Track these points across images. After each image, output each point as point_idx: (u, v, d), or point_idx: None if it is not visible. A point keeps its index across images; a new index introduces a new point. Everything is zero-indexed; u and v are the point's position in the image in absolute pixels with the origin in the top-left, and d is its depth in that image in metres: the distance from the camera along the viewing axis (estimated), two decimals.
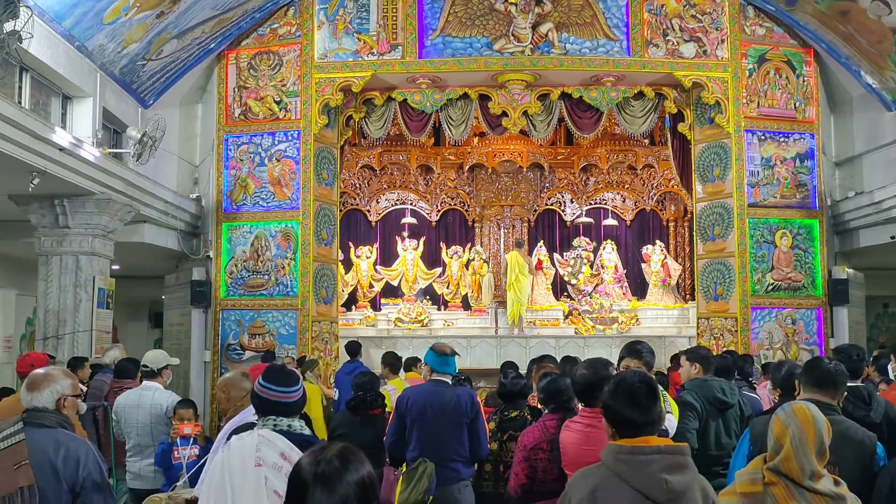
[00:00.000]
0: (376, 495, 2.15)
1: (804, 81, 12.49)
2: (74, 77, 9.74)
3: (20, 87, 9.16)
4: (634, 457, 2.78)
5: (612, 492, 2.74)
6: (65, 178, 8.94)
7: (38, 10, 8.31)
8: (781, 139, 12.36)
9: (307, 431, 3.34)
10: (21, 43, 7.69)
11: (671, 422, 4.84)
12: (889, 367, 7.35)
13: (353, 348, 10.62)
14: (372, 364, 11.08)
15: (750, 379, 7.56)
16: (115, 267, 11.19)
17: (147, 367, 6.56)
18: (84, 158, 9.17)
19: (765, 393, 7.55)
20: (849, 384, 4.53)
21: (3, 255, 12.86)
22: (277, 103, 12.35)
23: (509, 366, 7.59)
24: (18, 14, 7.54)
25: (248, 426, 3.67)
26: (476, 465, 5.84)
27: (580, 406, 4.43)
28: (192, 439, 5.79)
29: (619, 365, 5.12)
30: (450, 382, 5.76)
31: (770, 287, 12.16)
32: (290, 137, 12.29)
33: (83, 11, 9.26)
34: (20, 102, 8.84)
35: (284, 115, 12.34)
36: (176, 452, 5.72)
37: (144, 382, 6.55)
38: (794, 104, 12.44)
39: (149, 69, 11.34)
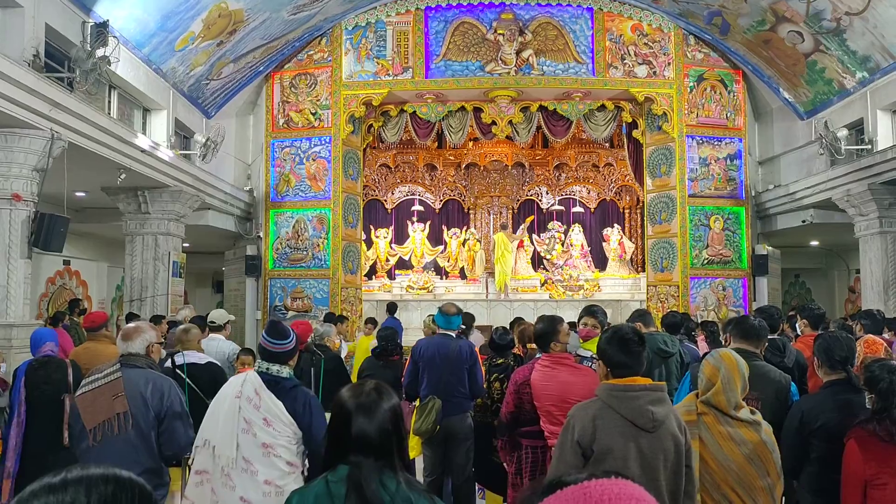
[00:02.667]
0: (403, 419, 2.16)
1: (734, 96, 12.46)
2: (152, 93, 9.76)
3: (109, 102, 9.20)
4: (626, 393, 2.76)
5: (608, 419, 2.72)
6: (145, 174, 9.01)
7: (122, 39, 8.33)
8: (715, 143, 12.34)
9: (283, 374, 3.33)
10: (110, 66, 7.74)
11: None
12: (797, 325, 7.38)
13: (392, 308, 10.41)
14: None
15: (692, 333, 7.58)
16: (186, 244, 11.23)
17: (213, 322, 6.60)
18: (160, 158, 9.22)
19: (703, 344, 7.59)
20: (768, 337, 4.59)
21: (96, 234, 12.91)
22: (313, 115, 12.35)
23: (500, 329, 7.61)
24: (107, 42, 7.59)
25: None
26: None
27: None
28: None
29: (579, 322, 5.18)
30: (454, 336, 5.81)
31: (705, 261, 12.17)
32: (323, 142, 12.30)
33: (159, 40, 9.28)
34: (109, 113, 8.87)
35: (319, 124, 12.34)
36: None
37: (211, 335, 6.58)
38: (726, 115, 12.41)
39: (211, 87, 11.35)
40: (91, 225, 11.81)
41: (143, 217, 10.05)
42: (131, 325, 3.79)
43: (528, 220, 15.27)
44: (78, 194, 10.12)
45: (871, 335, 4.54)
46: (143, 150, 8.67)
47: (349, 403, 2.10)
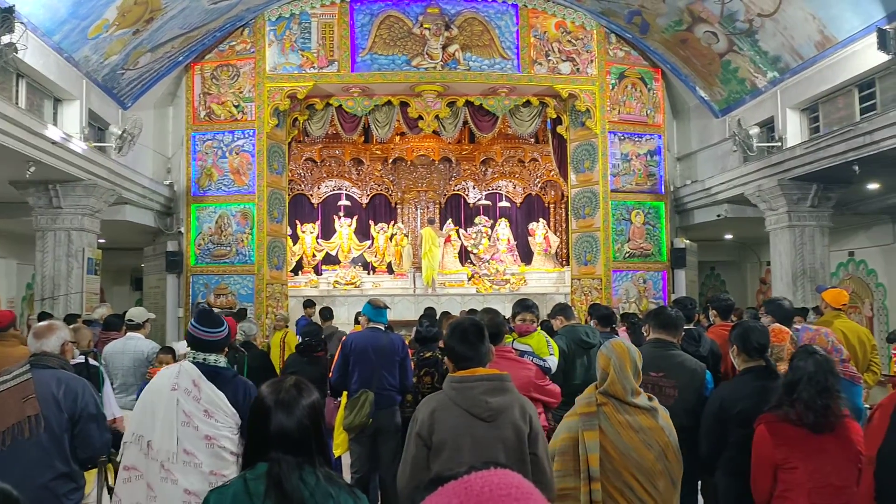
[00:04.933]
0: (323, 415, 2.17)
1: (654, 94, 12.80)
2: (63, 82, 9.35)
3: (17, 91, 8.77)
4: (462, 384, 2.85)
5: (446, 411, 2.81)
6: (57, 167, 8.63)
7: (31, 26, 7.95)
8: (636, 139, 12.65)
9: (221, 364, 3.26)
10: (17, 53, 7.38)
11: (553, 361, 4.90)
12: (710, 315, 7.66)
13: (326, 314, 9.72)
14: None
15: (613, 325, 7.78)
16: (102, 240, 10.83)
17: (132, 320, 6.44)
18: (73, 150, 8.85)
19: (624, 335, 7.81)
20: (685, 327, 4.76)
21: (5, 231, 12.33)
22: (236, 107, 12.08)
23: (426, 317, 7.66)
24: (14, 28, 7.24)
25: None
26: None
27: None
28: None
29: (514, 319, 5.25)
30: (383, 329, 5.81)
31: (627, 254, 12.46)
32: (246, 135, 12.04)
33: (71, 27, 8.89)
34: (17, 104, 8.46)
35: (242, 117, 12.08)
36: None
37: (129, 333, 6.43)
38: (646, 112, 12.74)
39: (127, 77, 10.96)
40: None
41: (54, 212, 9.63)
42: (44, 322, 3.68)
43: (452, 228, 15.30)
44: None
45: (777, 324, 4.76)
46: (53, 142, 8.30)
47: (268, 399, 2.09)
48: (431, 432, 2.78)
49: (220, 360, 3.27)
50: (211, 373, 3.18)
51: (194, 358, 3.25)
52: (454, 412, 2.80)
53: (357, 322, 9.01)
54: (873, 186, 10.19)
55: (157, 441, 3.04)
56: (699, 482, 4.45)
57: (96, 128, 10.58)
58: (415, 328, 6.88)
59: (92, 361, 4.70)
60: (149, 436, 3.07)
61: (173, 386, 3.12)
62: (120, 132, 10.09)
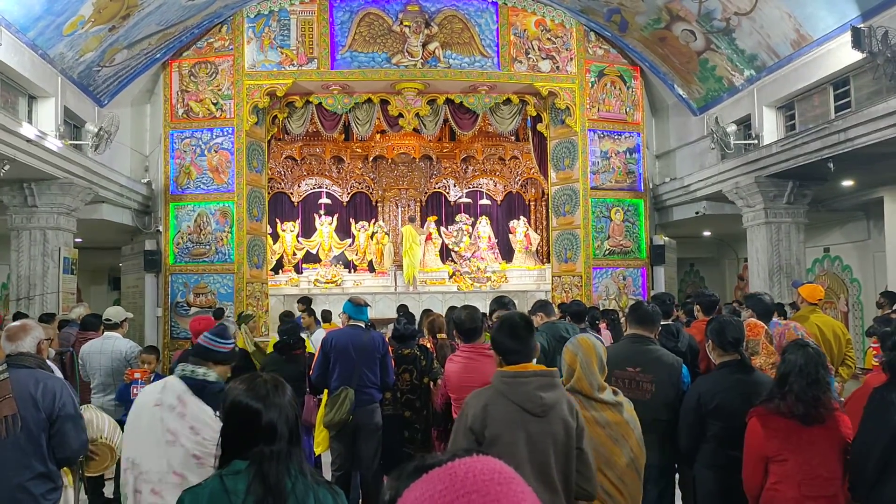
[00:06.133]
0: (298, 411, 2.18)
1: (633, 92, 12.89)
2: (38, 80, 9.25)
3: None
4: (516, 379, 2.84)
5: (499, 406, 2.80)
6: (32, 165, 8.53)
7: (4, 22, 7.87)
8: (615, 137, 12.73)
9: (210, 378, 3.07)
10: None
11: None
12: (694, 310, 7.74)
13: (326, 316, 9.51)
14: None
15: (596, 321, 7.84)
16: (79, 239, 10.73)
17: (110, 320, 6.39)
18: (48, 149, 8.75)
19: (605, 332, 7.88)
20: (662, 322, 4.80)
21: None
22: (214, 105, 12.00)
23: (402, 312, 7.64)
24: None
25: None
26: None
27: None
28: (141, 381, 5.69)
29: (492, 317, 5.28)
30: (363, 327, 5.81)
31: (607, 251, 12.54)
32: (225, 133, 11.97)
33: (45, 24, 8.79)
34: None
35: (220, 115, 12.00)
36: (135, 390, 5.59)
37: (106, 333, 6.38)
38: (625, 109, 12.82)
39: (103, 74, 10.85)
40: None
41: (29, 211, 9.53)
42: (16, 323, 3.63)
43: (432, 218, 15.34)
44: None
45: (752, 319, 4.82)
46: (28, 140, 8.20)
47: (248, 396, 2.09)
48: (484, 426, 2.77)
49: (210, 374, 3.10)
50: (198, 387, 3.02)
51: (182, 371, 3.11)
52: (507, 407, 2.79)
53: (327, 321, 9.01)
54: (848, 183, 10.34)
55: (144, 462, 2.88)
56: (676, 475, 4.50)
57: (72, 125, 10.48)
58: (391, 325, 6.87)
59: None
60: (137, 458, 2.92)
61: (157, 402, 2.96)
62: (96, 130, 9.99)
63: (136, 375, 5.78)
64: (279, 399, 2.09)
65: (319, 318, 8.88)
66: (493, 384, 2.91)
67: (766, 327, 4.54)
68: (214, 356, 3.17)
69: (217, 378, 3.12)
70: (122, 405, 5.93)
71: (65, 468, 3.48)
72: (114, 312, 6.53)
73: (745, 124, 11.26)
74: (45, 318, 7.47)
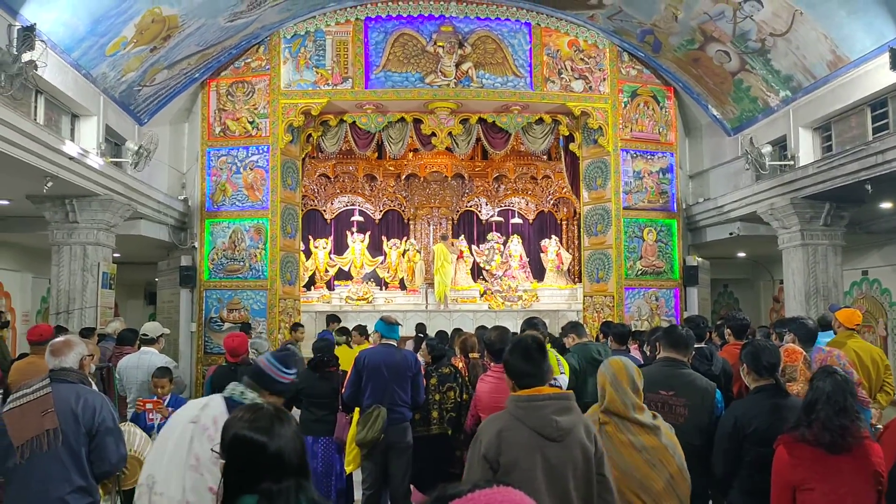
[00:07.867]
0: (303, 443, 2.09)
1: (666, 112, 12.83)
2: (81, 99, 9.50)
3: (35, 107, 8.90)
4: (530, 403, 2.76)
5: (514, 432, 2.70)
6: (73, 182, 8.74)
7: (50, 43, 8.11)
8: (648, 157, 12.67)
9: (250, 400, 2.82)
10: (36, 70, 7.52)
11: (564, 380, 4.89)
12: (724, 333, 7.64)
13: (362, 331, 9.26)
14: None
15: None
16: (117, 255, 10.93)
17: (146, 335, 6.49)
18: (90, 166, 8.97)
19: (636, 353, 7.79)
20: (696, 346, 4.75)
21: (20, 244, 12.47)
22: (251, 123, 12.21)
23: (421, 331, 7.56)
24: (34, 46, 7.38)
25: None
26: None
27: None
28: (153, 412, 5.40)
29: None
30: (395, 345, 5.83)
31: (639, 272, 12.45)
32: (261, 151, 12.16)
33: (89, 45, 9.05)
34: (36, 119, 8.60)
35: (256, 133, 12.21)
36: (149, 414, 5.39)
37: (143, 348, 6.48)
38: (658, 129, 12.76)
39: (144, 93, 11.12)
40: (14, 234, 11.41)
41: (70, 226, 9.74)
42: (60, 339, 3.69)
43: (465, 245, 15.24)
44: (1, 202, 9.77)
45: (791, 345, 4.75)
46: (71, 158, 8.42)
47: (246, 431, 2.00)
48: (499, 453, 2.68)
49: (255, 400, 2.84)
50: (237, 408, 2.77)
51: (231, 391, 2.91)
52: (523, 432, 2.70)
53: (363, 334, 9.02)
54: (886, 206, 10.15)
55: (161, 482, 2.69)
56: (710, 502, 4.43)
57: (113, 143, 10.72)
58: (409, 342, 6.85)
59: None
60: (156, 476, 2.72)
61: (193, 418, 2.79)
62: (136, 148, 10.22)
63: (148, 406, 5.44)
64: (284, 430, 2.00)
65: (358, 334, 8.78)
66: (507, 409, 2.82)
67: (804, 353, 4.46)
68: (273, 386, 2.96)
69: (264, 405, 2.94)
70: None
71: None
72: (151, 328, 6.63)
73: (780, 145, 11.13)
74: (85, 333, 7.61)
